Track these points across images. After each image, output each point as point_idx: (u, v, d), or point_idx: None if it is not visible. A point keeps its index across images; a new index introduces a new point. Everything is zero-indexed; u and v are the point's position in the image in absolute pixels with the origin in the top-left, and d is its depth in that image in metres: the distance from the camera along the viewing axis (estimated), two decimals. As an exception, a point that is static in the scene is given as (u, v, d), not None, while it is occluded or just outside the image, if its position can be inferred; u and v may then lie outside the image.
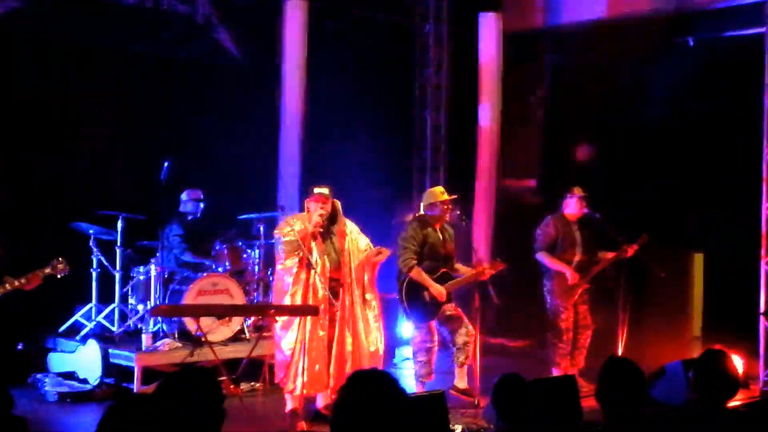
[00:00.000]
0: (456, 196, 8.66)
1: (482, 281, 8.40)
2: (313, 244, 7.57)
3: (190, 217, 9.79)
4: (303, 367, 7.35)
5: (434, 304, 8.26)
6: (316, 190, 7.76)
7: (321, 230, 7.65)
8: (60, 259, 7.35)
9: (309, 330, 7.46)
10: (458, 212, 8.70)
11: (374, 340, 7.81)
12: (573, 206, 9.03)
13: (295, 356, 7.42)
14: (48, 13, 9.34)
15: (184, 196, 9.89)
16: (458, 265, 8.59)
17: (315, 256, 7.56)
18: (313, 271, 7.51)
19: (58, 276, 7.39)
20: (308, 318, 7.41)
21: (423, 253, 8.30)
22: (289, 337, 7.50)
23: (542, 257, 8.99)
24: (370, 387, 3.30)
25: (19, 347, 8.38)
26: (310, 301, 7.50)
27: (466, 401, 8.16)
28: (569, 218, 9.04)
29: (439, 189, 8.71)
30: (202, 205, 9.92)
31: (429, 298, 8.24)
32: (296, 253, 7.48)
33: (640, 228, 9.08)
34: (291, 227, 7.57)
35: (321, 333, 7.54)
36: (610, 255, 9.03)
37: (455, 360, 8.39)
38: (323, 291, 7.52)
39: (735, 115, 10.32)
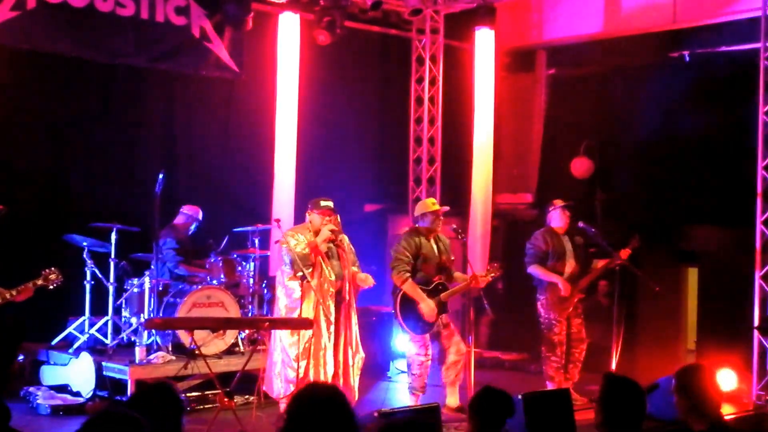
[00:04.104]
0: (447, 208, 8.70)
1: (477, 294, 8.41)
2: (319, 257, 7.65)
3: (183, 231, 9.79)
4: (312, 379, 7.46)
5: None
6: (323, 203, 7.81)
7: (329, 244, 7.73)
8: (52, 269, 7.30)
9: (314, 343, 7.53)
10: (454, 226, 8.72)
11: (358, 354, 7.92)
12: (557, 218, 9.11)
13: (302, 370, 7.47)
14: (43, 24, 9.30)
15: (184, 210, 9.87)
16: (456, 274, 8.60)
17: (327, 270, 7.62)
18: (326, 284, 7.59)
19: (51, 287, 7.35)
20: (322, 329, 7.51)
21: (417, 265, 8.31)
22: (296, 351, 7.54)
23: (534, 270, 9.02)
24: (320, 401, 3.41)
25: (20, 359, 8.34)
26: (322, 315, 7.56)
27: (460, 418, 8.13)
28: (557, 231, 9.11)
29: (430, 200, 8.82)
30: (197, 223, 9.91)
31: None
32: (307, 266, 7.52)
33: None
34: (297, 241, 7.61)
35: (325, 346, 7.61)
36: (602, 263, 9.07)
37: (445, 378, 8.41)
38: (330, 304, 7.61)
39: (730, 130, 10.33)
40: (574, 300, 8.97)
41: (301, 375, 7.52)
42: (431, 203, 8.64)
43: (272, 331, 7.79)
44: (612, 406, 4.32)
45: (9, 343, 4.61)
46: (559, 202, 9.16)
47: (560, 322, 8.94)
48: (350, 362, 7.84)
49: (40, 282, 7.27)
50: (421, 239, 8.39)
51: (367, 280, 7.96)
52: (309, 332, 7.53)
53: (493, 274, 8.51)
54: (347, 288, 7.87)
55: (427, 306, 8.21)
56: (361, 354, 7.99)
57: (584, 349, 9.07)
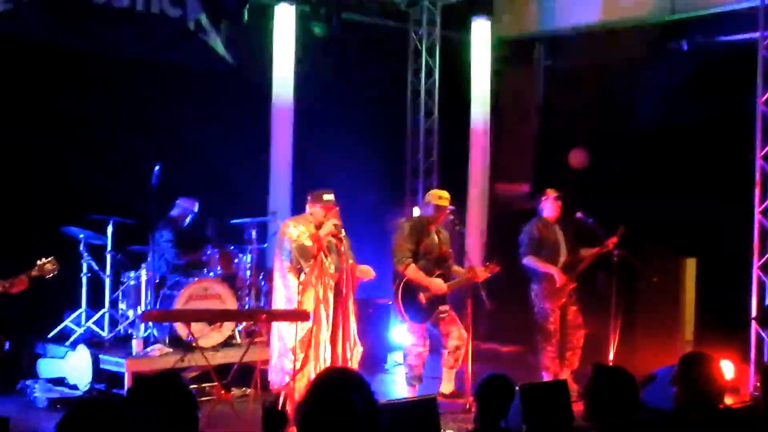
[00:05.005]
0: (453, 208, 8.66)
1: (475, 287, 8.39)
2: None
3: (179, 223, 9.76)
4: (310, 371, 7.45)
5: (430, 304, 8.27)
6: (326, 196, 7.78)
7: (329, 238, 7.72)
8: (46, 258, 7.18)
9: (314, 334, 7.53)
10: (452, 218, 8.69)
11: (356, 347, 7.90)
12: (549, 208, 9.12)
13: (302, 361, 7.47)
14: (37, 16, 9.26)
15: (180, 202, 9.83)
16: (455, 267, 8.59)
17: (327, 262, 7.61)
18: (326, 277, 7.58)
19: (47, 276, 7.25)
20: (322, 322, 7.52)
21: (418, 254, 8.29)
22: (293, 343, 7.54)
23: (529, 261, 9.02)
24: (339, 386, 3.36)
25: (6, 347, 8.29)
26: (321, 307, 7.55)
27: (457, 404, 8.13)
28: (549, 220, 9.12)
29: (438, 192, 8.68)
30: (192, 215, 9.87)
31: (425, 300, 8.23)
32: (307, 258, 7.50)
33: (633, 233, 9.07)
34: (300, 231, 7.59)
35: (324, 337, 7.60)
36: (592, 251, 9.05)
37: (445, 363, 8.40)
38: (330, 296, 7.61)
39: (728, 120, 10.30)
40: (567, 289, 8.96)
41: (298, 366, 7.50)
42: (438, 196, 8.55)
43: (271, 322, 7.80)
44: (601, 398, 4.28)
45: None
46: (551, 192, 9.15)
47: (554, 311, 8.94)
48: (348, 355, 7.82)
49: (34, 273, 7.14)
50: (422, 230, 8.37)
51: (368, 273, 7.95)
52: (307, 324, 7.52)
53: (491, 271, 8.51)
54: (345, 281, 7.85)
55: (435, 285, 8.20)
56: (359, 347, 7.98)
57: (582, 336, 9.06)
